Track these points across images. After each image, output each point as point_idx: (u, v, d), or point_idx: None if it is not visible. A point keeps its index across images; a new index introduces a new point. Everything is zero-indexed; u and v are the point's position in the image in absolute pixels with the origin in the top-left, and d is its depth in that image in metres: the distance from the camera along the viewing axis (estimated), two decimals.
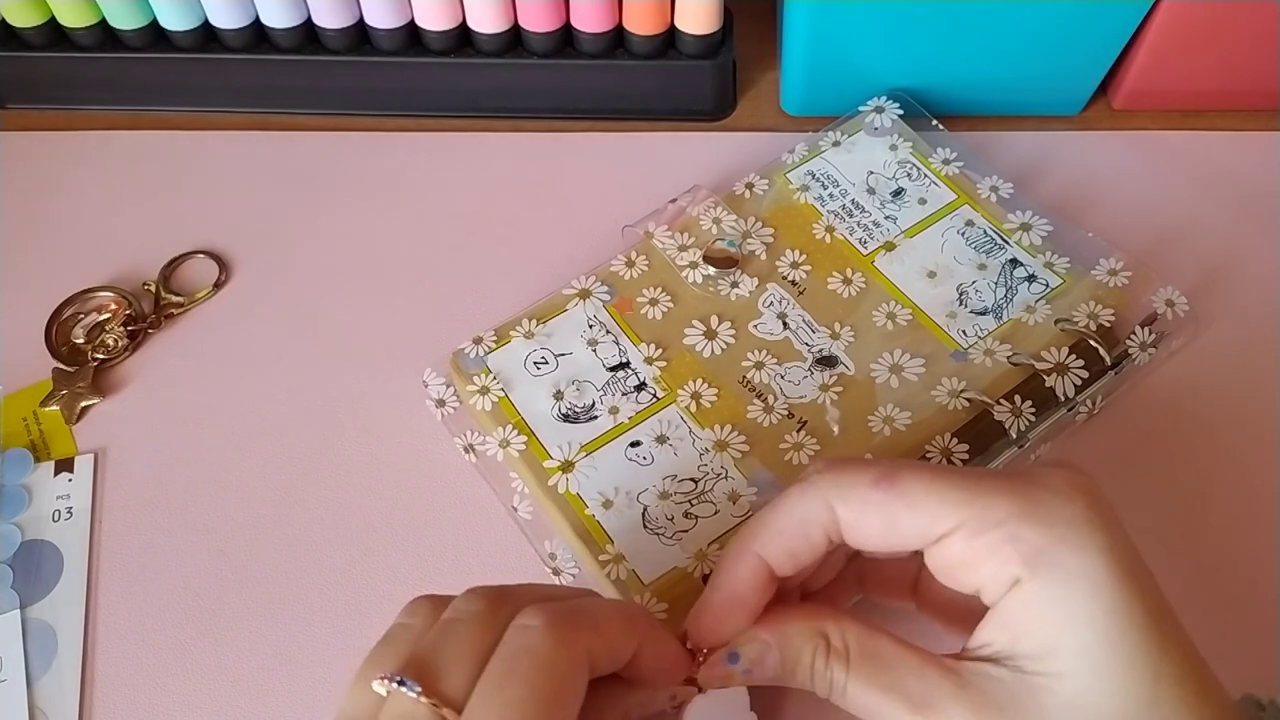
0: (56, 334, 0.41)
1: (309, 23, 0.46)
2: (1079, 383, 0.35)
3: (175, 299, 0.42)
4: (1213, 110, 0.47)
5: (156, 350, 0.41)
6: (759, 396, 0.36)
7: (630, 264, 0.39)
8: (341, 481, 0.37)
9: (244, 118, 0.49)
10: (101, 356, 0.40)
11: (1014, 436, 0.34)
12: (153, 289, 0.42)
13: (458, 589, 0.25)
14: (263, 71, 0.47)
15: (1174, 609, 0.23)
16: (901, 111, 0.43)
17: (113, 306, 0.42)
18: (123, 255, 0.44)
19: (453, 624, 0.24)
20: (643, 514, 0.34)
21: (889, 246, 0.40)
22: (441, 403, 0.37)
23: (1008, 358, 0.36)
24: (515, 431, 0.35)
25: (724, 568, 0.26)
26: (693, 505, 0.34)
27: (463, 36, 0.46)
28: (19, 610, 0.34)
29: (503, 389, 0.36)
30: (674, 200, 0.41)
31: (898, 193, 0.41)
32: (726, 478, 0.34)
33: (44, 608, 0.35)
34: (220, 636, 0.34)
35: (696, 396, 0.36)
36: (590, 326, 0.38)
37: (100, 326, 0.41)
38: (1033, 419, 0.34)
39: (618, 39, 0.45)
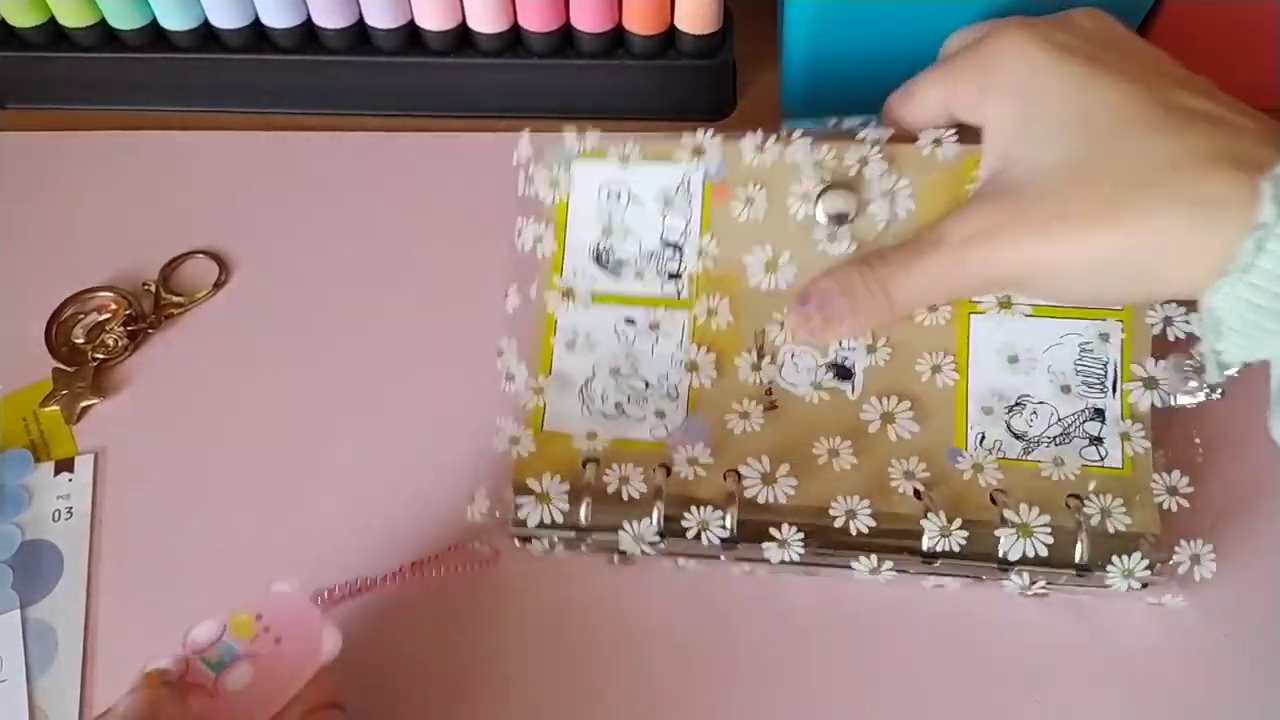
0: (56, 334, 0.41)
1: (309, 23, 0.46)
2: (1026, 554, 0.30)
3: (175, 299, 0.42)
4: None
5: (156, 350, 0.41)
6: (759, 353, 0.34)
7: (761, 150, 0.34)
8: (342, 481, 0.37)
9: (244, 118, 0.49)
10: (101, 356, 0.40)
11: (922, 549, 0.31)
12: (153, 289, 0.42)
13: None
14: (263, 71, 0.47)
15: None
16: None
17: (113, 306, 0.42)
18: (123, 255, 0.44)
19: None
20: (587, 379, 0.34)
21: (1004, 305, 0.33)
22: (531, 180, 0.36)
23: (990, 490, 0.32)
24: (552, 235, 0.35)
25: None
26: (628, 401, 0.34)
27: (463, 36, 0.46)
28: (19, 610, 0.34)
29: (566, 194, 0.35)
30: (838, 122, 0.36)
31: None
32: (672, 399, 0.34)
33: (44, 608, 0.35)
34: None
35: (711, 313, 0.34)
36: (677, 191, 0.35)
37: (100, 326, 0.41)
38: (958, 546, 0.30)
39: (618, 39, 0.45)
